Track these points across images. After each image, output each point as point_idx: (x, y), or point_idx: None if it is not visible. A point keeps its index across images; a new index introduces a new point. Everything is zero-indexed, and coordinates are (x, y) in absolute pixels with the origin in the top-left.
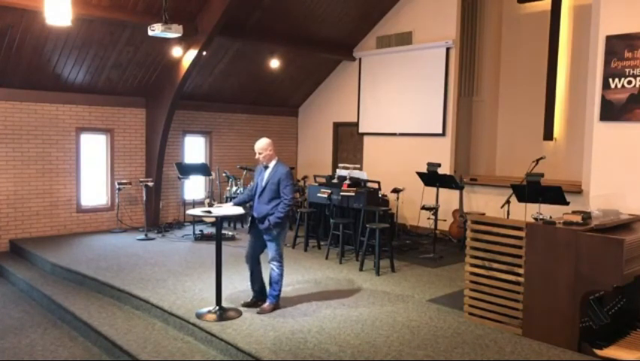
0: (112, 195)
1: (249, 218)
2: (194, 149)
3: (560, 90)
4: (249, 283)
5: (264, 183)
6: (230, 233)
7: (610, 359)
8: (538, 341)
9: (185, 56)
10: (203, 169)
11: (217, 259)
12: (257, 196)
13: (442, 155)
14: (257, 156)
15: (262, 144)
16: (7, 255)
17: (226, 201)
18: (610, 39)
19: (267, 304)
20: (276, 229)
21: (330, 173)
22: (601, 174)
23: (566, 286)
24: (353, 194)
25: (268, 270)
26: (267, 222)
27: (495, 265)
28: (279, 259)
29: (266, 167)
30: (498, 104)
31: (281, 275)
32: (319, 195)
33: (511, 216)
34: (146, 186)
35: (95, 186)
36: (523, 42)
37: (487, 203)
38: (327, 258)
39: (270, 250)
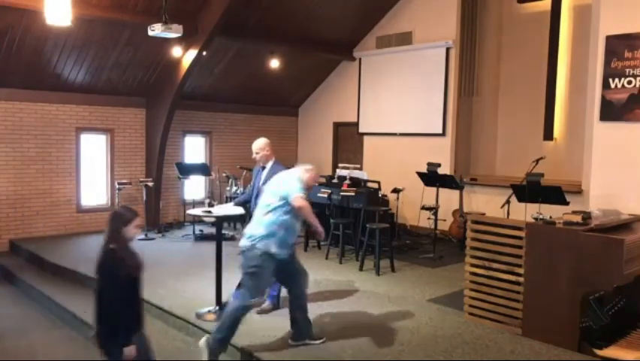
0: (112, 195)
1: (249, 219)
2: (194, 149)
3: (560, 90)
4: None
5: (260, 185)
6: (230, 233)
7: (610, 359)
8: (538, 341)
9: (185, 56)
10: (203, 169)
11: (217, 259)
12: (254, 198)
13: (442, 155)
14: (254, 155)
15: (259, 144)
16: (7, 255)
17: (226, 202)
18: (610, 39)
19: (266, 304)
20: None
21: (330, 173)
22: (601, 174)
23: (566, 286)
24: (353, 194)
25: None
26: None
27: (495, 265)
28: None
29: (263, 167)
30: (498, 104)
31: None
32: (319, 195)
33: (511, 216)
34: (146, 186)
35: (95, 186)
36: (523, 42)
37: (487, 203)
38: (327, 258)
39: None
